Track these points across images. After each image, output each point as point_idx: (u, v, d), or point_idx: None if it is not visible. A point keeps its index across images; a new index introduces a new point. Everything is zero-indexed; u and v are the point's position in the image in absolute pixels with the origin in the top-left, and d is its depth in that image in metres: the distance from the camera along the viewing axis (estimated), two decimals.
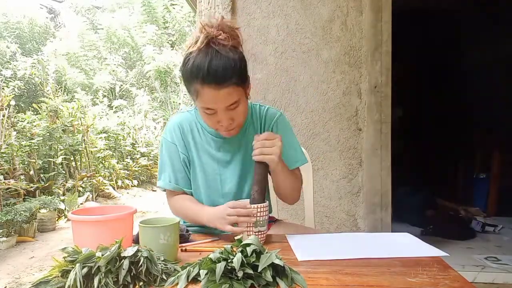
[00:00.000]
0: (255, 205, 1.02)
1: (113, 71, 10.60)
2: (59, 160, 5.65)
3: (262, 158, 1.06)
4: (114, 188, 6.71)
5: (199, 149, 1.24)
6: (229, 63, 1.01)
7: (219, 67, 1.00)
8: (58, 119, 6.09)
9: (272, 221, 1.40)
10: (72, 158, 6.07)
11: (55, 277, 0.74)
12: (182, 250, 0.98)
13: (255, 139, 1.08)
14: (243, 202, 1.05)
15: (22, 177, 4.92)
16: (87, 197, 5.62)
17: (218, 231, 1.27)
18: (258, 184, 1.06)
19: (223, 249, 0.78)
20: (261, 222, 1.03)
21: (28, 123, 5.93)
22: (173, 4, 12.03)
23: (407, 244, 1.05)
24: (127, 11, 12.45)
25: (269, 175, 1.22)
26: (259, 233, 1.03)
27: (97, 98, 9.43)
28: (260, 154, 1.06)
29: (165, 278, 0.78)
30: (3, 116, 5.01)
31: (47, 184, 5.11)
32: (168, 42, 12.01)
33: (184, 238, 1.06)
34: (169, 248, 0.87)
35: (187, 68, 1.04)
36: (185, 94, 10.99)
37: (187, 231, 1.09)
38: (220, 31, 1.04)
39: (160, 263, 0.80)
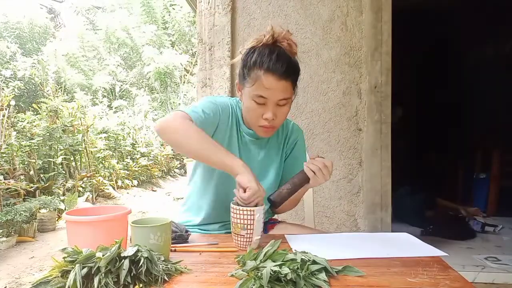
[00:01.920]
0: (240, 208, 0.98)
1: (113, 71, 10.60)
2: (59, 160, 5.65)
3: (315, 177, 1.06)
4: (114, 188, 6.72)
5: (228, 138, 1.23)
6: (292, 62, 1.13)
7: (284, 61, 1.10)
8: (58, 119, 6.09)
9: (276, 221, 1.41)
10: (72, 158, 6.07)
11: (55, 277, 0.74)
12: (171, 251, 0.97)
13: (320, 158, 1.07)
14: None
15: (22, 177, 4.92)
16: (87, 197, 5.62)
17: (218, 231, 1.28)
18: (290, 188, 1.07)
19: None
20: (243, 225, 0.98)
21: (28, 123, 5.93)
22: (172, 5, 12.05)
23: (406, 244, 1.05)
24: (127, 12, 12.46)
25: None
26: (242, 236, 0.99)
27: (97, 98, 9.43)
28: (317, 172, 1.05)
29: (167, 279, 0.77)
30: (3, 116, 5.01)
31: (47, 184, 5.11)
32: (168, 42, 12.02)
33: (182, 238, 1.05)
34: (159, 248, 0.86)
35: (252, 56, 1.12)
36: (185, 95, 11.00)
37: (186, 231, 1.08)
38: (285, 39, 1.14)
39: (160, 263, 0.80)
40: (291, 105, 1.19)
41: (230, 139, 1.24)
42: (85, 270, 0.72)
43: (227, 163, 1.03)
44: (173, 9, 12.04)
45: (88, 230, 0.92)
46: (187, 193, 1.36)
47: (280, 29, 1.14)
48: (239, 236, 0.99)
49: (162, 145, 9.09)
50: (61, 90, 8.16)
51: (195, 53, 10.84)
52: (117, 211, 0.98)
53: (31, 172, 5.09)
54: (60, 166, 5.82)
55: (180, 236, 1.05)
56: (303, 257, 0.80)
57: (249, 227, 0.98)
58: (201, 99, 1.26)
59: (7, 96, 5.37)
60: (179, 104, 10.78)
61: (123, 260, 0.74)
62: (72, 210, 1.02)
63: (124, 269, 0.73)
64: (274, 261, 0.78)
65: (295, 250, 0.87)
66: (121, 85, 10.70)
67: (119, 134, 7.92)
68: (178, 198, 6.51)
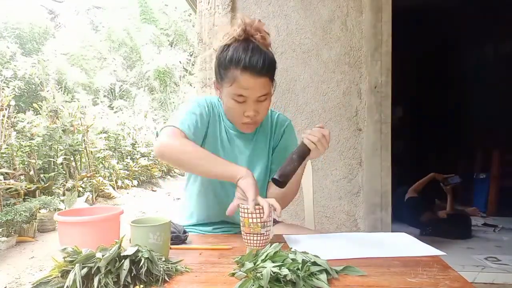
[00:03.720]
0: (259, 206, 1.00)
1: (114, 71, 10.61)
2: (59, 160, 5.65)
3: (316, 149, 1.05)
4: (114, 188, 6.71)
5: (216, 134, 1.24)
6: (268, 58, 1.10)
7: (260, 58, 1.08)
8: (58, 119, 6.09)
9: (275, 221, 1.41)
10: (72, 158, 6.07)
11: (55, 277, 0.74)
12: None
13: (316, 127, 1.07)
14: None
15: (22, 177, 4.92)
16: (87, 197, 5.62)
17: (217, 231, 1.28)
18: (292, 163, 1.04)
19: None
20: (263, 224, 0.99)
21: (28, 123, 5.93)
22: (166, 5, 12.07)
23: (404, 244, 1.05)
24: (126, 12, 12.48)
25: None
26: (262, 234, 1.00)
27: (98, 98, 9.43)
28: (317, 143, 1.05)
29: (168, 280, 0.77)
30: (3, 116, 5.01)
31: (47, 184, 5.11)
32: (166, 42, 12.04)
33: (180, 239, 1.05)
34: (158, 247, 0.86)
35: (227, 55, 1.10)
36: (185, 94, 11.01)
37: (184, 232, 1.08)
38: (257, 31, 1.12)
39: (161, 263, 0.80)
40: (272, 98, 1.18)
41: (219, 135, 1.25)
42: (85, 270, 0.72)
43: (229, 170, 1.03)
44: (170, 8, 12.03)
45: (78, 230, 0.92)
46: (187, 198, 1.35)
47: (250, 20, 1.12)
48: (259, 235, 0.98)
49: None
50: (62, 90, 8.17)
51: (193, 53, 10.86)
52: (109, 211, 0.98)
53: (31, 172, 5.09)
54: (60, 166, 5.82)
55: (177, 237, 1.04)
56: (304, 257, 0.80)
57: (268, 224, 0.99)
58: (185, 105, 1.23)
59: (7, 96, 5.37)
60: (179, 104, 10.78)
61: (123, 260, 0.74)
62: (64, 211, 1.03)
63: (124, 269, 0.73)
64: (273, 262, 0.78)
65: (294, 249, 0.87)
66: (121, 85, 10.70)
67: (119, 134, 7.92)
68: (178, 198, 6.51)
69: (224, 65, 1.11)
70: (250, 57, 1.07)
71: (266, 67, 1.09)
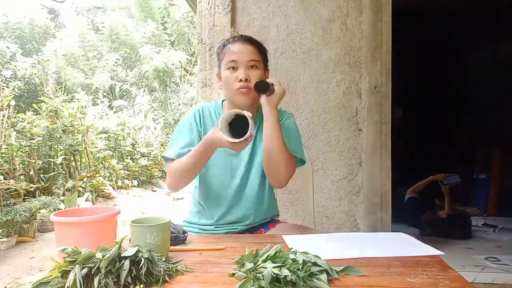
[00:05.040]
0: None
1: (113, 70, 10.60)
2: (59, 160, 5.64)
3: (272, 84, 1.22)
4: (114, 188, 6.71)
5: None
6: (257, 40, 1.34)
7: (247, 36, 1.34)
8: (58, 119, 6.09)
9: (278, 222, 1.42)
10: (72, 158, 6.07)
11: (55, 277, 0.74)
12: None
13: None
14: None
15: (22, 177, 4.92)
16: (87, 198, 5.62)
17: (216, 231, 1.29)
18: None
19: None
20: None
21: (28, 123, 5.93)
22: (171, 4, 12.05)
23: (404, 244, 1.05)
24: (127, 11, 12.47)
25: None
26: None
27: (98, 98, 9.43)
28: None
29: (168, 280, 0.77)
30: (3, 116, 5.01)
31: (47, 185, 5.11)
32: (167, 42, 12.02)
33: (178, 239, 1.05)
34: (156, 247, 0.86)
35: (223, 42, 1.33)
36: (185, 94, 11.01)
37: (184, 232, 1.08)
38: None
39: (161, 263, 0.80)
40: (267, 73, 1.36)
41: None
42: (85, 270, 0.72)
43: (205, 143, 1.17)
44: (173, 9, 12.01)
45: (75, 231, 0.93)
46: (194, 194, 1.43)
47: None
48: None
49: (162, 145, 9.09)
50: (61, 90, 8.16)
51: (194, 53, 10.85)
52: (106, 212, 0.99)
53: (31, 172, 5.09)
54: (60, 166, 5.82)
55: (176, 238, 1.04)
56: (304, 258, 0.80)
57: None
58: (177, 127, 1.40)
59: (7, 96, 5.37)
60: (179, 104, 10.78)
61: (123, 261, 0.74)
62: (61, 211, 1.03)
63: (124, 270, 0.73)
64: (274, 263, 0.78)
65: (295, 250, 0.87)
66: (121, 85, 10.69)
67: (119, 134, 7.92)
68: (178, 199, 6.51)
69: (220, 49, 1.33)
70: (239, 35, 1.35)
71: (253, 40, 1.31)
